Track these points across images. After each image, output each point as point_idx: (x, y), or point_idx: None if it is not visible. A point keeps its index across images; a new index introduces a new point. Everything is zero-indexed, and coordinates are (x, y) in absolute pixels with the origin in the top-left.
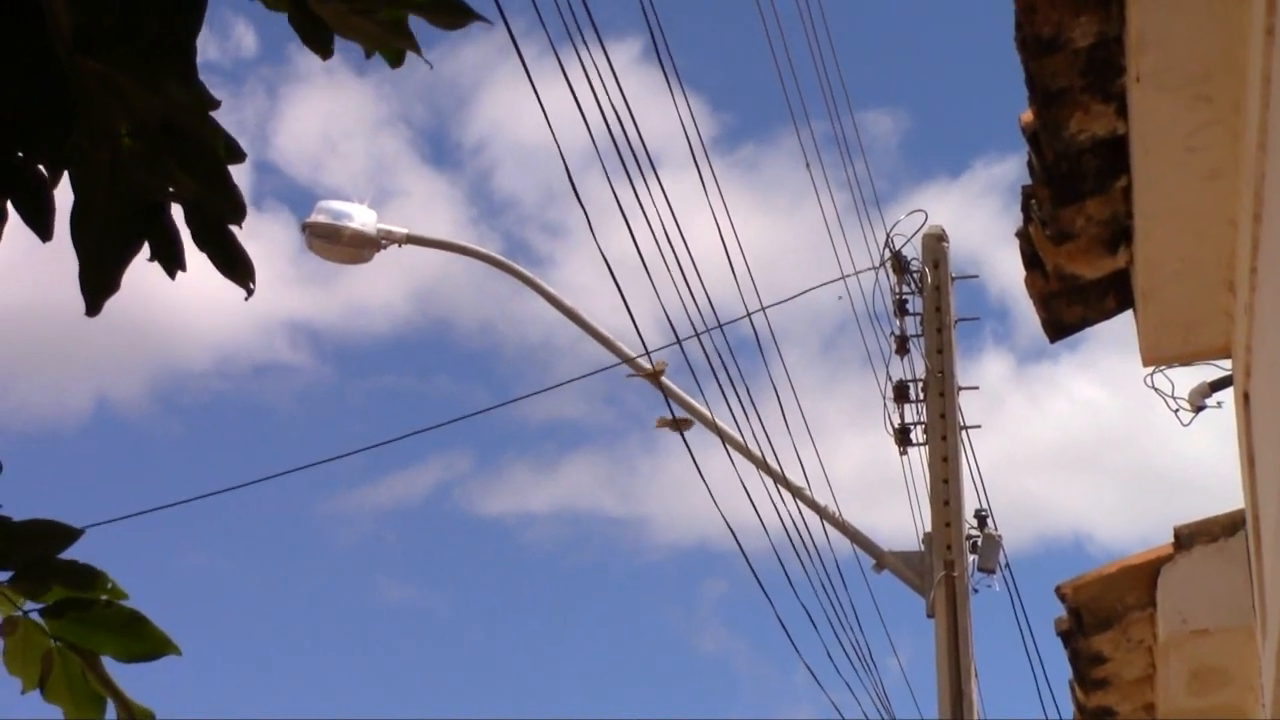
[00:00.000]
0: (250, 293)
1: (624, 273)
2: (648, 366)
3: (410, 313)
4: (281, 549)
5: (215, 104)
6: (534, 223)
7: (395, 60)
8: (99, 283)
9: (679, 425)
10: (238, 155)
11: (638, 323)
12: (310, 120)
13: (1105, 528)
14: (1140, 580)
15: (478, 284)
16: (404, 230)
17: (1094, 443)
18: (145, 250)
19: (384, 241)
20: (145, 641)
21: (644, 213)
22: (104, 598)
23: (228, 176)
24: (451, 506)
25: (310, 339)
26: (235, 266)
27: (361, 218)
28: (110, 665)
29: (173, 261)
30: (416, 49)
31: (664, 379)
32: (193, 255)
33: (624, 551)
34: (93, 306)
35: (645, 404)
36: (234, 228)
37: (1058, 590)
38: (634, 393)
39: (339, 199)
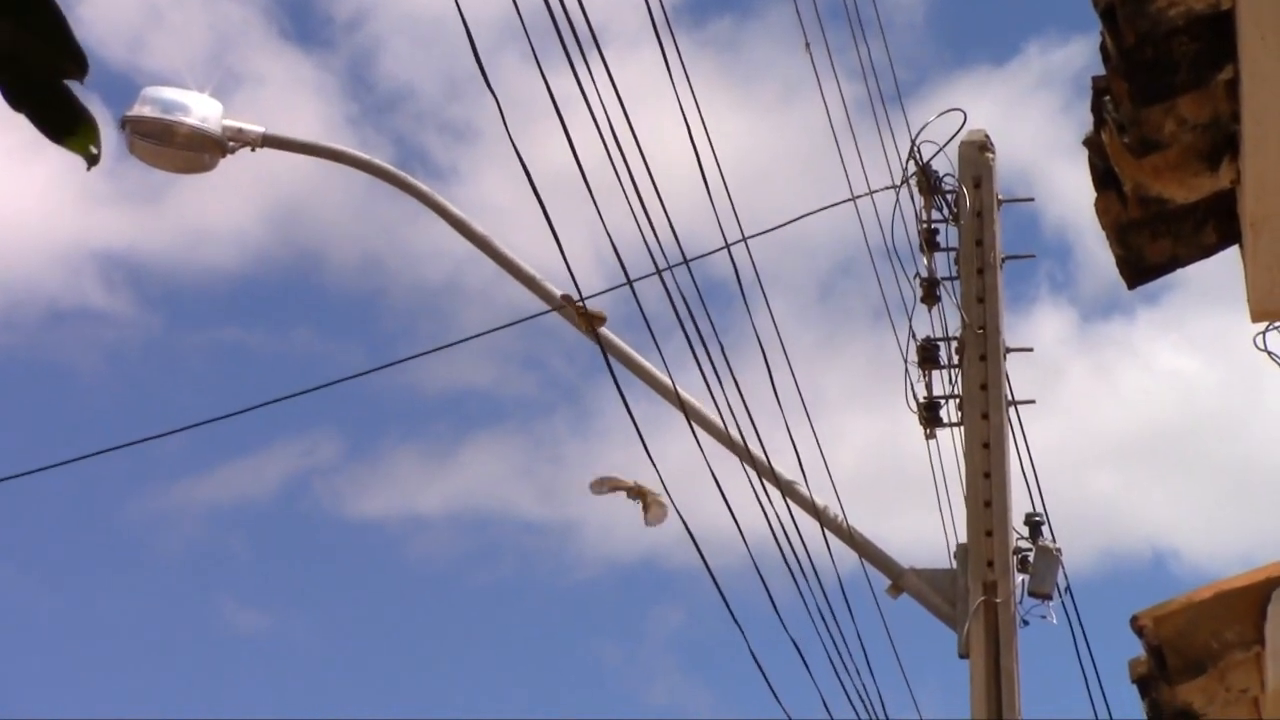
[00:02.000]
0: (94, 161)
1: (556, 190)
2: (581, 309)
3: (266, 241)
4: (83, 559)
5: None
6: (433, 122)
7: None
8: None
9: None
10: None
11: (573, 255)
12: None
13: (1195, 541)
14: (1243, 610)
15: (357, 204)
16: (259, 129)
17: (1181, 428)
18: None
19: (232, 143)
20: None
21: (588, 104)
22: None
23: (61, 19)
24: (312, 505)
25: (130, 276)
26: (71, 128)
27: (201, 110)
28: None
29: None
30: None
31: (604, 331)
32: None
33: (545, 568)
34: None
35: (577, 368)
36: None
37: (1134, 622)
38: (562, 353)
39: (170, 86)
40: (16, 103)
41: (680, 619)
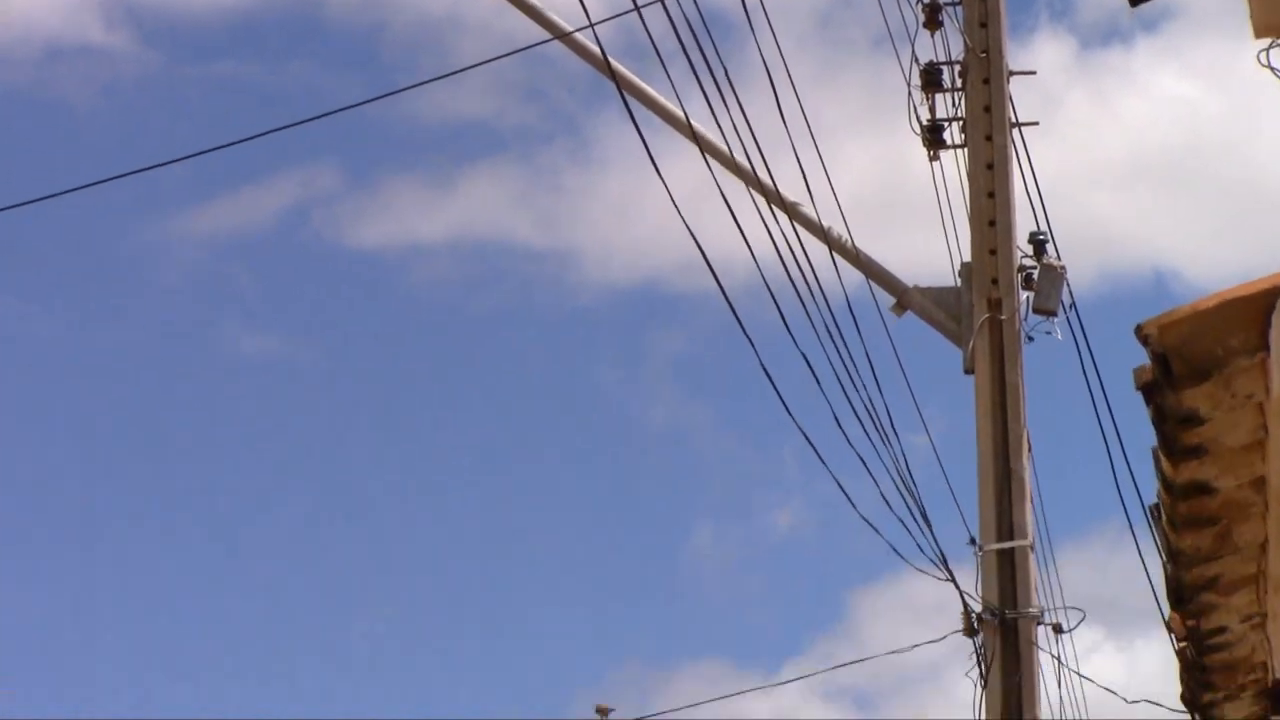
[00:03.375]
0: None
1: None
2: (591, 47)
3: None
4: (85, 287)
5: None
6: None
7: None
8: None
9: None
10: None
11: None
12: None
13: (1195, 262)
14: (1248, 317)
15: None
16: None
17: (1182, 151)
18: None
19: None
20: None
21: None
22: None
23: None
24: (311, 235)
25: (129, 13)
26: None
27: None
28: None
29: None
30: None
31: (615, 63)
32: None
33: (544, 294)
34: None
35: (578, 98)
36: None
37: (1139, 330)
38: (563, 84)
39: None
40: None
41: (680, 343)
